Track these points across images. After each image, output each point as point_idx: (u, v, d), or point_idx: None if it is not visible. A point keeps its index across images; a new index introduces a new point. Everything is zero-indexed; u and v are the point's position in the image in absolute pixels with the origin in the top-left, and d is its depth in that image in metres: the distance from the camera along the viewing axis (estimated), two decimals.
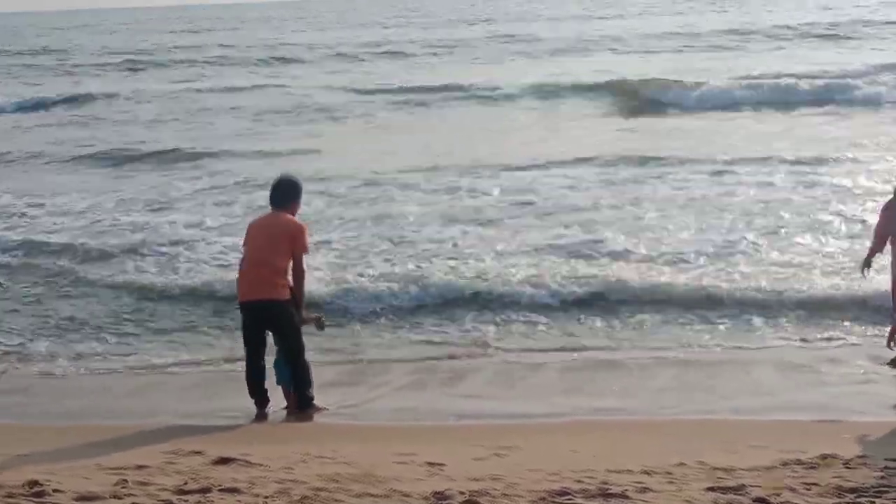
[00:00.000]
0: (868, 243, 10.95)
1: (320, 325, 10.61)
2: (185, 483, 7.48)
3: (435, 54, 54.12)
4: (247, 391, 10.20)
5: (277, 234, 10.04)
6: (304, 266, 10.16)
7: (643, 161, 22.45)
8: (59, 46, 75.39)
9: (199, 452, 8.56)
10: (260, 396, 10.22)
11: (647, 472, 7.55)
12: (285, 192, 10.32)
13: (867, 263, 10.79)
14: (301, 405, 10.19)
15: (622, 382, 10.83)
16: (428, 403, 10.44)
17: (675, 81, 33.77)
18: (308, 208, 16.80)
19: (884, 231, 10.56)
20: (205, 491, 7.24)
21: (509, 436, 9.06)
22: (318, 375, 10.49)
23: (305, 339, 10.27)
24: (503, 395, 10.61)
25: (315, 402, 10.23)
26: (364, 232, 17.30)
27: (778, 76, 33.91)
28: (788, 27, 54.81)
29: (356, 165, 23.73)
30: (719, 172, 20.84)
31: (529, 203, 18.94)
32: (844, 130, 26.04)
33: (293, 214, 10.29)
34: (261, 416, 10.18)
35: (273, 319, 10.11)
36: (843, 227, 16.00)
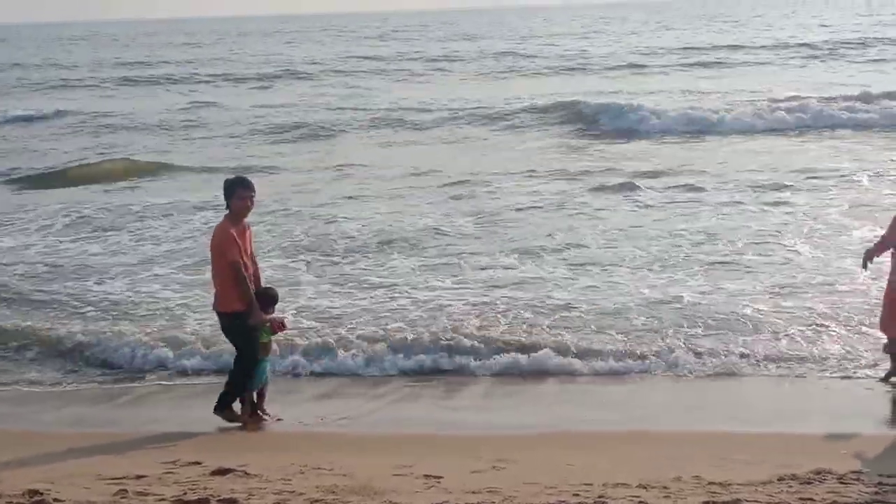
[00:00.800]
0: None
1: (280, 326, 10.52)
2: (184, 493, 7.52)
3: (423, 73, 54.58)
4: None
5: (213, 247, 10.23)
6: (239, 270, 10.03)
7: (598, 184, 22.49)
8: (55, 59, 75.59)
9: (197, 463, 8.60)
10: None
11: (643, 487, 7.59)
12: (225, 194, 10.35)
13: (868, 260, 10.90)
14: (219, 404, 10.28)
15: (620, 395, 10.92)
16: (425, 415, 10.50)
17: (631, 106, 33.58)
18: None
19: (890, 237, 10.70)
20: (203, 501, 7.29)
21: (506, 448, 9.09)
22: (315, 386, 10.50)
23: None
24: (500, 407, 10.67)
25: (235, 410, 10.32)
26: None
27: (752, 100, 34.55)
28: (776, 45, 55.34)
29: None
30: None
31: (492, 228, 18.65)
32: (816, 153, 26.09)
33: (237, 210, 10.20)
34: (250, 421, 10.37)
35: (225, 329, 10.38)
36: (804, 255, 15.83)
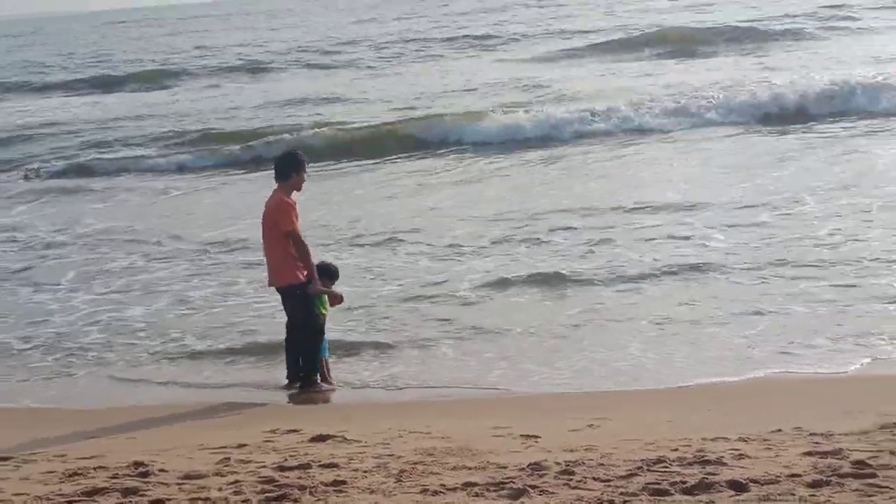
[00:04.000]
0: None
1: (336, 300, 10.70)
2: (285, 460, 7.60)
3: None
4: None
5: (268, 218, 10.50)
6: (301, 239, 10.36)
7: None
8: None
9: (296, 431, 8.71)
10: (289, 369, 10.66)
11: (743, 440, 7.52)
12: (284, 166, 10.59)
13: None
14: (303, 383, 10.55)
15: (712, 344, 10.89)
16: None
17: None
18: None
19: None
20: (304, 467, 7.35)
21: (602, 407, 9.09)
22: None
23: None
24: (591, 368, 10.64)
25: (325, 380, 10.60)
26: None
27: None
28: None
29: None
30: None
31: None
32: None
33: (296, 185, 10.59)
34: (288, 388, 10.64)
35: (285, 302, 10.59)
36: None
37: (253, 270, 14.67)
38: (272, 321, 12.15)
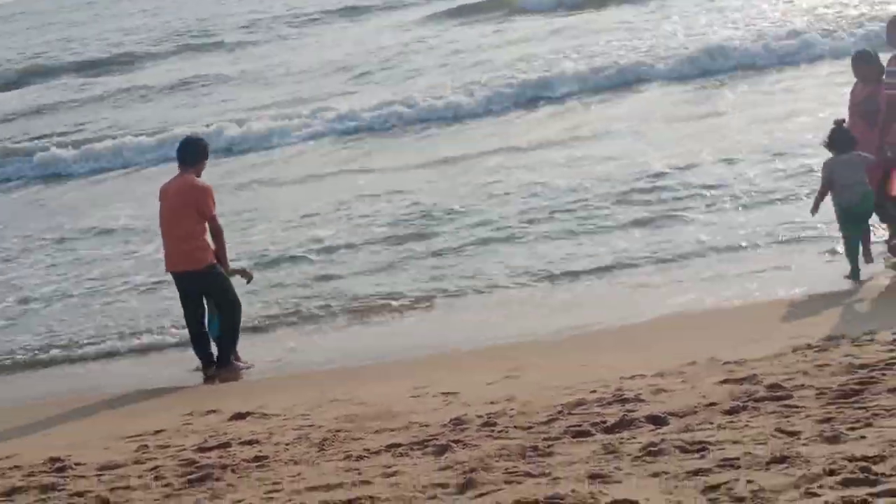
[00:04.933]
0: None
1: (247, 277, 10.80)
2: (205, 441, 7.50)
3: None
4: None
5: (183, 202, 10.25)
6: (218, 223, 10.35)
7: None
8: None
9: (214, 411, 8.59)
10: (204, 357, 10.48)
11: (660, 375, 7.60)
12: (192, 153, 10.49)
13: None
14: (221, 362, 10.41)
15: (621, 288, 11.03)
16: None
17: None
18: None
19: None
20: (225, 446, 7.26)
21: (518, 358, 9.10)
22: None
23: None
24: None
25: (237, 360, 10.47)
26: None
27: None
28: None
29: None
30: None
31: None
32: None
33: (199, 172, 10.49)
34: (206, 376, 10.41)
35: (203, 286, 10.38)
36: None
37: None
38: (162, 309, 12.18)
